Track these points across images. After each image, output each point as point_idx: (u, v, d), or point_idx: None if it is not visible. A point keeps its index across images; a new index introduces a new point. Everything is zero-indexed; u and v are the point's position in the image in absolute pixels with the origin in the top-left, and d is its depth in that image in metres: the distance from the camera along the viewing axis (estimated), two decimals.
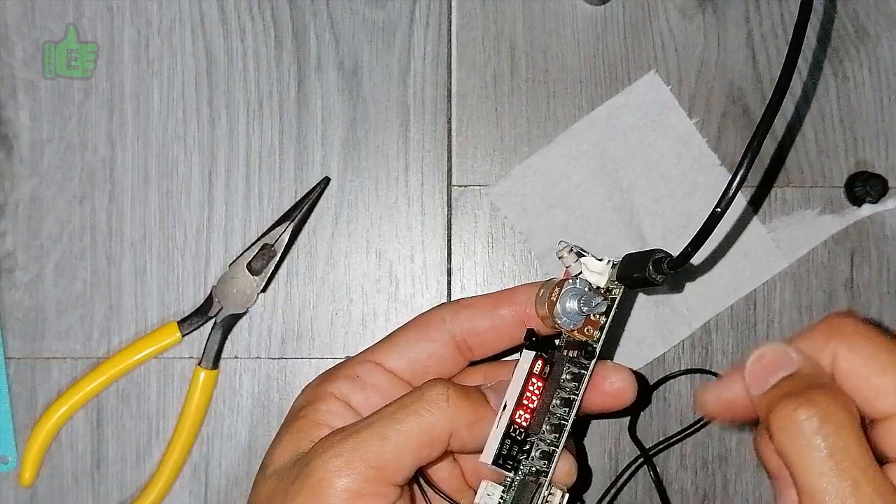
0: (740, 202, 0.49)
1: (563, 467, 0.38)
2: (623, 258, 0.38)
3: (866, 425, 0.31)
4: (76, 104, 0.50)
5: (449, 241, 0.50)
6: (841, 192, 0.50)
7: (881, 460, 0.31)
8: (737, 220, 0.49)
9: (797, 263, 0.50)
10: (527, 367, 0.37)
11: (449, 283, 0.50)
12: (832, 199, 0.50)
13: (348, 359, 0.41)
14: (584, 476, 0.49)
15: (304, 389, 0.40)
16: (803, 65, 0.50)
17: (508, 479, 0.37)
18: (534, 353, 0.37)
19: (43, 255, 0.49)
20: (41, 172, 0.50)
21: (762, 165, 0.50)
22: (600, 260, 0.38)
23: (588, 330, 0.38)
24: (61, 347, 0.49)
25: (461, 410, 0.35)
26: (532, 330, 0.38)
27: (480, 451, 0.37)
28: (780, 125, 0.50)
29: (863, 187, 0.49)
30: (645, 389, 0.49)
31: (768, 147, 0.50)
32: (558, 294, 0.38)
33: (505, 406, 0.37)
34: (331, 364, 0.49)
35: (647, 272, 0.36)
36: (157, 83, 0.50)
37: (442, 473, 0.40)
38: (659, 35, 0.50)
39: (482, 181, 0.50)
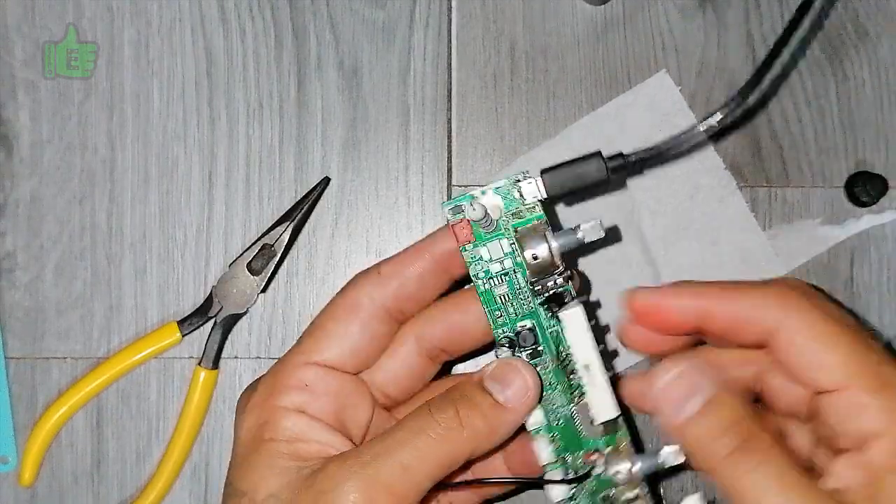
0: (741, 205, 0.49)
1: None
2: (542, 174, 0.37)
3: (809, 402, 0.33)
4: (76, 104, 0.50)
5: None
6: (841, 192, 0.50)
7: (827, 438, 0.32)
8: (737, 224, 0.49)
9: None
10: (584, 321, 0.36)
11: None
12: (832, 200, 0.50)
13: (283, 360, 0.38)
14: None
15: (244, 408, 0.37)
16: (803, 65, 0.50)
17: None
18: (580, 305, 0.36)
19: (43, 255, 0.49)
20: (41, 172, 0.50)
21: (762, 165, 0.50)
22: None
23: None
24: (61, 347, 0.49)
25: (476, 430, 0.35)
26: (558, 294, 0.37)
27: (496, 451, 0.37)
28: (780, 125, 0.50)
29: (863, 187, 0.49)
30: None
31: (768, 147, 0.50)
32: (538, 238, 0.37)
33: (588, 367, 0.36)
34: None
35: (594, 172, 0.36)
36: (157, 83, 0.50)
37: None
38: (659, 35, 0.50)
39: (482, 181, 0.50)
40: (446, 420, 0.34)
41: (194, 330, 0.49)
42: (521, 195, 0.37)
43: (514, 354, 0.37)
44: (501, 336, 0.38)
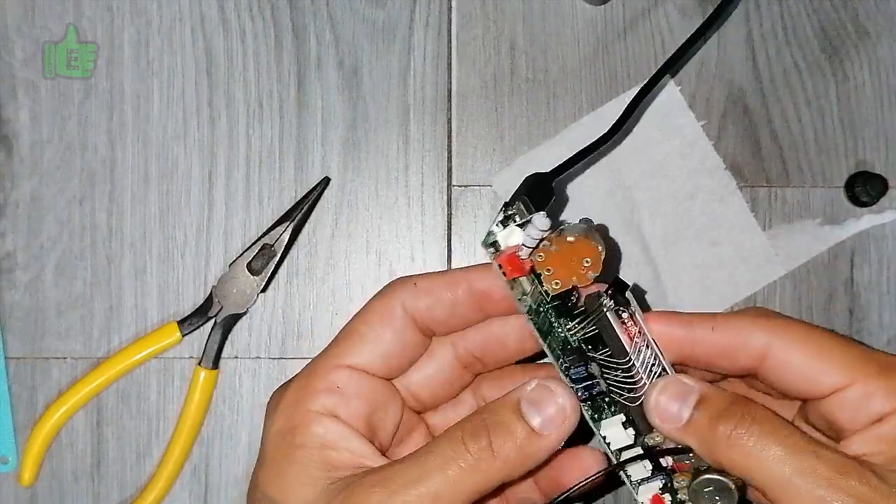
0: (741, 205, 0.49)
1: None
2: (517, 201, 0.36)
3: (809, 407, 0.34)
4: (76, 104, 0.50)
5: (449, 241, 0.50)
6: (841, 192, 0.50)
7: (838, 435, 0.33)
8: (737, 224, 0.49)
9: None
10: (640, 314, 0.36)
11: None
12: (832, 200, 0.50)
13: (314, 363, 0.38)
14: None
15: (276, 409, 0.37)
16: (803, 64, 0.50)
17: None
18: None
19: (43, 255, 0.49)
20: (41, 172, 0.50)
21: (762, 165, 0.50)
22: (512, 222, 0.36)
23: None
24: (61, 347, 0.49)
25: (509, 459, 0.34)
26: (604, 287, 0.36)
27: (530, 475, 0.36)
28: (780, 125, 0.50)
29: (863, 187, 0.49)
30: None
31: (768, 147, 0.50)
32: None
33: (658, 359, 0.35)
34: None
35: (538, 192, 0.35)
36: (157, 83, 0.50)
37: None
38: (659, 35, 0.50)
39: (482, 181, 0.50)
40: (479, 451, 0.34)
41: (194, 330, 0.49)
42: (518, 223, 0.36)
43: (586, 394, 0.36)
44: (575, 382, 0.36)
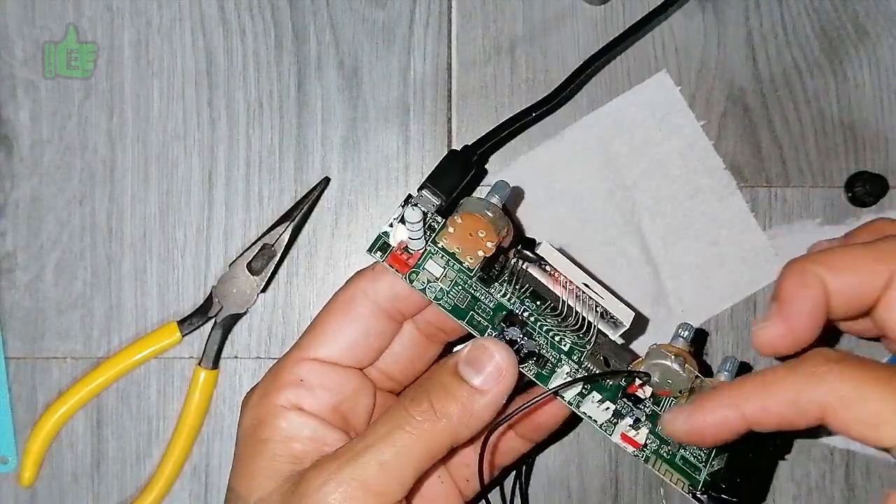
0: (741, 205, 0.49)
1: None
2: (426, 186, 0.38)
3: None
4: (76, 104, 0.50)
5: None
6: (841, 192, 0.50)
7: None
8: (737, 224, 0.49)
9: None
10: (556, 249, 0.37)
11: None
12: (832, 200, 0.50)
13: (280, 360, 0.39)
14: (582, 477, 0.49)
15: (245, 407, 0.38)
16: (803, 65, 0.50)
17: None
18: (543, 240, 0.37)
19: (43, 255, 0.49)
20: (41, 172, 0.50)
21: (762, 165, 0.50)
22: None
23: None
24: (61, 347, 0.49)
25: (452, 417, 0.34)
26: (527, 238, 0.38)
27: (475, 439, 0.37)
28: (780, 125, 0.50)
29: (863, 187, 0.49)
30: None
31: (768, 147, 0.50)
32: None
33: (587, 284, 0.37)
34: None
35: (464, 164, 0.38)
36: (157, 83, 0.50)
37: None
38: (659, 35, 0.50)
39: (482, 181, 0.50)
40: (422, 413, 0.34)
41: (194, 330, 0.49)
42: (422, 212, 0.37)
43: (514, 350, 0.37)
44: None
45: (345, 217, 0.50)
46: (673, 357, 0.37)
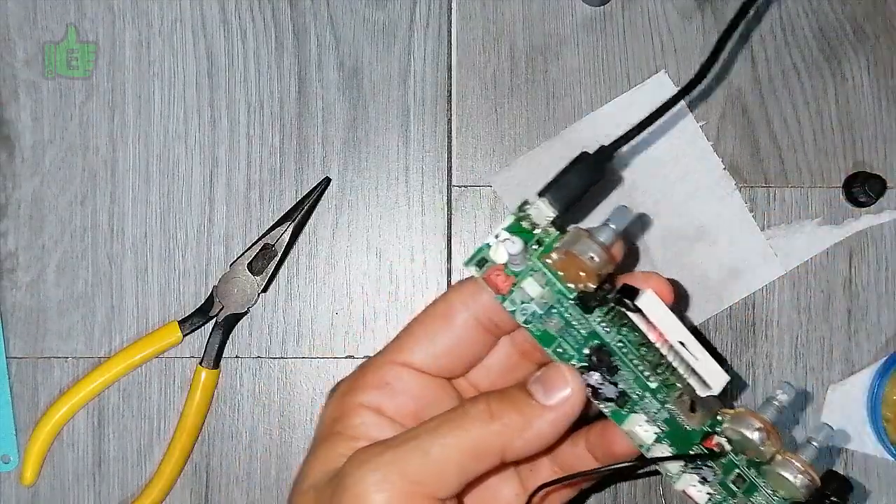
0: (740, 205, 0.50)
1: None
2: (543, 194, 0.36)
3: None
4: (77, 105, 0.50)
5: (449, 241, 0.50)
6: (839, 192, 0.50)
7: None
8: (736, 224, 0.50)
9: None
10: (661, 301, 0.35)
11: (449, 282, 0.50)
12: (830, 200, 0.50)
13: (370, 360, 0.38)
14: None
15: (329, 399, 0.38)
16: (802, 65, 0.50)
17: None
18: (648, 290, 0.35)
19: (44, 255, 0.49)
20: (43, 173, 0.50)
21: (761, 166, 0.50)
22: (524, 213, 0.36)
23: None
24: (63, 347, 0.49)
25: (507, 422, 0.34)
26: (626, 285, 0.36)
27: (537, 456, 0.36)
28: (778, 126, 0.50)
29: (861, 187, 0.49)
30: None
31: (767, 147, 0.50)
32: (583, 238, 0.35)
33: (684, 342, 0.35)
34: (331, 364, 0.49)
35: (587, 171, 0.35)
36: (159, 84, 0.50)
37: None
38: (658, 35, 0.50)
39: (482, 181, 0.50)
40: (477, 412, 0.34)
41: (195, 330, 0.49)
42: (533, 223, 0.36)
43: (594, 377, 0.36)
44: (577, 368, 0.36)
45: (345, 217, 0.50)
46: (756, 431, 0.35)
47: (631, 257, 0.50)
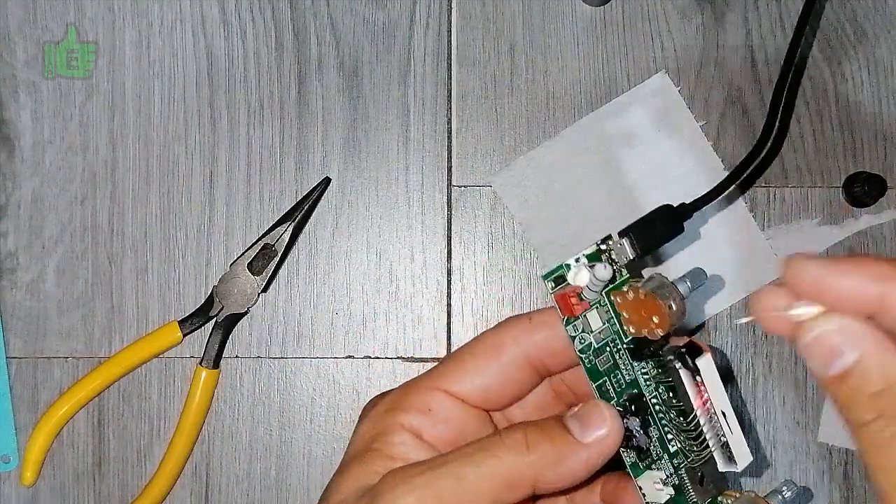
0: (740, 205, 0.50)
1: None
2: (628, 234, 0.36)
3: None
4: (77, 105, 0.50)
5: (449, 241, 0.50)
6: (839, 192, 0.50)
7: None
8: (736, 224, 0.50)
9: None
10: (716, 372, 0.34)
11: (449, 282, 0.50)
12: (830, 200, 0.50)
13: (415, 381, 0.38)
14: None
15: (367, 414, 0.38)
16: (801, 65, 0.50)
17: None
18: (708, 353, 0.35)
19: (44, 256, 0.49)
20: (43, 173, 0.50)
21: (760, 166, 0.50)
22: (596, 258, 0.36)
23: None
24: (63, 347, 0.49)
25: (543, 455, 0.34)
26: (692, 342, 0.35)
27: (558, 495, 0.36)
28: (779, 126, 0.50)
29: (861, 187, 0.49)
30: None
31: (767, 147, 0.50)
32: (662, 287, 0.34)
33: (725, 414, 0.34)
34: (331, 364, 0.49)
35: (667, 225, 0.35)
36: (158, 84, 0.50)
37: None
38: (658, 36, 0.50)
39: (482, 181, 0.50)
40: (513, 442, 0.34)
41: (195, 330, 0.49)
42: (612, 259, 0.35)
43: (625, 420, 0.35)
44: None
45: (345, 217, 0.50)
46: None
47: None
